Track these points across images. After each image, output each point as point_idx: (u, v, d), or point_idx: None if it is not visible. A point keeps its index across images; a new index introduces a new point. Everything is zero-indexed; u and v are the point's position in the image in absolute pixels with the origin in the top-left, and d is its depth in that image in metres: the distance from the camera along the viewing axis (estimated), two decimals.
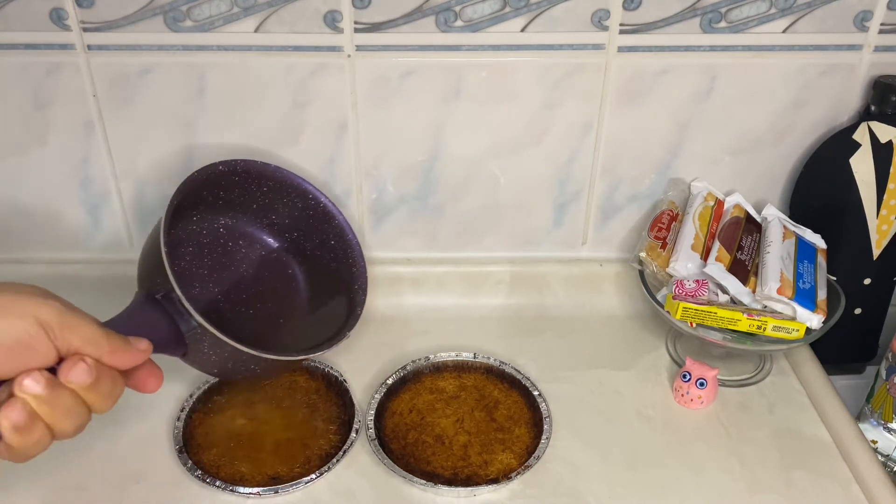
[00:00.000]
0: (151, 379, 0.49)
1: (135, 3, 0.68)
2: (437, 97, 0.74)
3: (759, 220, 0.79)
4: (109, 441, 0.66)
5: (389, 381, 0.70)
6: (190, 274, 0.63)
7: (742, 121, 0.76)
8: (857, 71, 0.74)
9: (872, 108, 0.73)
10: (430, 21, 0.70)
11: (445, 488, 0.61)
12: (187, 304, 0.54)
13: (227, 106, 0.73)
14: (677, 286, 0.70)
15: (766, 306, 0.69)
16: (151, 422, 0.67)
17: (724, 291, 0.71)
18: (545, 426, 0.66)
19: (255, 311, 0.69)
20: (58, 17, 0.68)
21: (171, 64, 0.71)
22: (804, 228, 0.77)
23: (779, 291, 0.68)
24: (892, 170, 0.74)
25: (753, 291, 0.70)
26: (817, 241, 0.76)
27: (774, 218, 0.77)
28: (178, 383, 0.69)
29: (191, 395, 0.68)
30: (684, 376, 0.70)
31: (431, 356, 0.72)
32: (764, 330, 0.67)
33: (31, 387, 0.42)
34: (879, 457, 0.73)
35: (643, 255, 0.74)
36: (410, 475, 0.61)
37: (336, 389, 0.70)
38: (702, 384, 0.69)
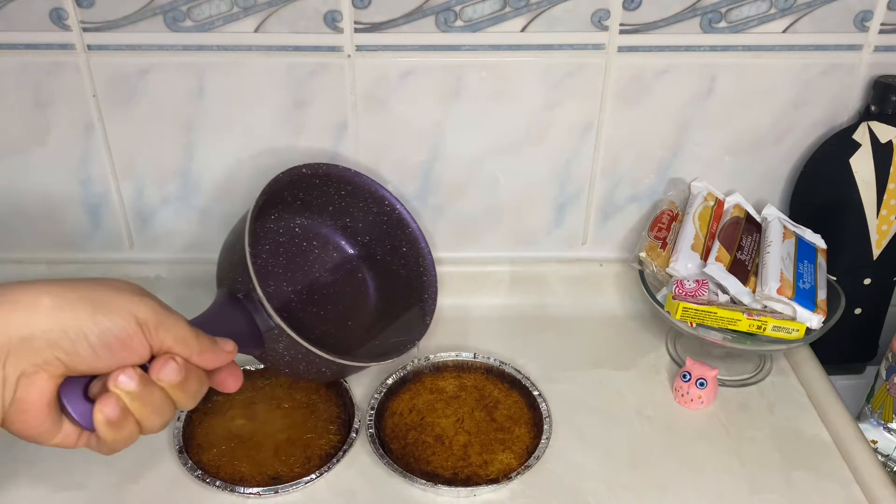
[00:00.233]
0: (231, 379, 0.50)
1: (135, 3, 0.68)
2: (437, 97, 0.74)
3: (759, 220, 0.79)
4: None
5: (389, 381, 0.70)
6: (266, 272, 0.64)
7: (742, 121, 0.76)
8: (857, 71, 0.74)
9: (872, 108, 0.73)
10: (430, 21, 0.70)
11: (445, 488, 0.61)
12: (268, 307, 0.54)
13: (227, 106, 0.73)
14: (677, 286, 0.70)
15: (766, 306, 0.69)
16: None
17: (724, 291, 0.71)
18: (545, 426, 0.66)
19: (324, 312, 0.70)
20: (58, 17, 0.68)
21: (171, 64, 0.71)
22: (804, 228, 0.77)
23: (779, 291, 0.68)
24: (892, 170, 0.74)
25: (753, 291, 0.70)
26: (817, 241, 0.76)
27: (774, 218, 0.77)
28: None
29: None
30: (684, 376, 0.70)
31: (431, 356, 0.72)
32: (764, 330, 0.67)
33: (126, 383, 0.43)
34: (879, 457, 0.73)
35: (643, 255, 0.74)
36: (410, 475, 0.61)
37: (336, 389, 0.70)
38: (702, 384, 0.69)
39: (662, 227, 0.76)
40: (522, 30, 0.70)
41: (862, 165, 0.74)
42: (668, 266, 0.73)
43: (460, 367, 0.72)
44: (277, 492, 0.61)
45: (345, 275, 0.73)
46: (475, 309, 0.82)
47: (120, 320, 0.43)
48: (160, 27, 0.69)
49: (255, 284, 0.54)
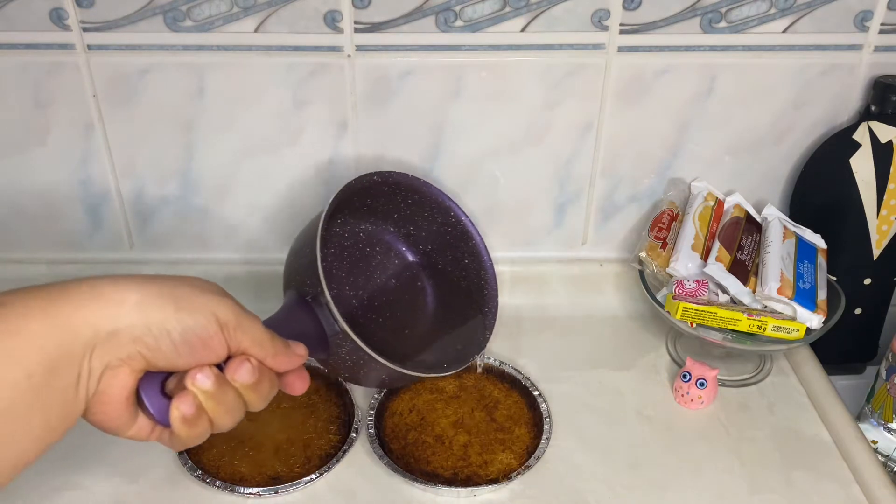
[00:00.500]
0: (299, 382, 0.51)
1: (135, 3, 0.68)
2: (437, 97, 0.74)
3: (759, 220, 0.79)
4: (109, 441, 0.65)
5: None
6: (330, 275, 0.65)
7: (742, 121, 0.76)
8: (857, 71, 0.74)
9: (872, 108, 0.73)
10: (430, 21, 0.70)
11: (445, 488, 0.61)
12: (336, 311, 0.55)
13: (227, 106, 0.73)
14: (677, 286, 0.70)
15: (766, 306, 0.69)
16: None
17: (725, 291, 0.71)
18: (545, 426, 0.66)
19: (383, 319, 0.70)
20: (58, 17, 0.68)
21: (171, 64, 0.71)
22: (804, 228, 0.77)
23: (779, 291, 0.68)
24: (892, 170, 0.74)
25: (753, 291, 0.70)
26: (817, 241, 0.76)
27: (774, 218, 0.77)
28: None
29: None
30: (684, 376, 0.70)
31: None
32: (764, 330, 0.67)
33: (203, 382, 0.44)
34: (879, 457, 0.73)
35: (643, 255, 0.74)
36: (410, 475, 0.61)
37: (336, 389, 0.70)
38: (702, 384, 0.69)
39: (662, 227, 0.76)
40: (522, 30, 0.70)
41: (862, 165, 0.74)
42: (668, 266, 0.73)
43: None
44: (277, 492, 0.61)
45: (404, 283, 0.73)
46: None
47: (202, 319, 0.43)
48: (160, 27, 0.69)
49: (324, 288, 0.55)
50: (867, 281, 0.78)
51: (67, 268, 0.82)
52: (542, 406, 0.68)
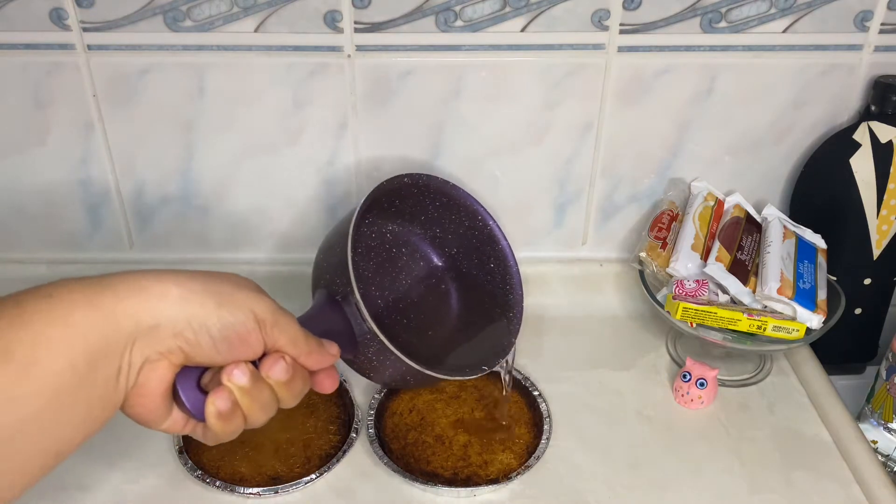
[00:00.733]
0: (329, 380, 0.51)
1: (135, 3, 0.68)
2: (437, 97, 0.74)
3: (759, 220, 0.79)
4: (109, 441, 0.66)
5: None
6: (357, 275, 0.65)
7: (742, 121, 0.76)
8: (858, 71, 0.74)
9: (872, 108, 0.73)
10: (430, 21, 0.70)
11: (445, 488, 0.61)
12: (365, 312, 0.55)
13: (227, 106, 0.73)
14: (677, 286, 0.70)
15: (766, 306, 0.69)
16: None
17: (725, 291, 0.71)
18: (545, 426, 0.66)
19: (407, 320, 0.70)
20: (58, 17, 0.68)
21: (171, 64, 0.71)
22: (804, 228, 0.77)
23: (779, 291, 0.68)
24: (892, 170, 0.74)
25: (753, 291, 0.70)
26: (817, 241, 0.76)
27: (774, 218, 0.77)
28: None
29: None
30: (684, 376, 0.70)
31: None
32: (764, 330, 0.67)
33: (239, 378, 0.44)
34: (879, 457, 0.73)
35: (643, 255, 0.74)
36: (410, 475, 0.61)
37: (336, 390, 0.69)
38: (702, 384, 0.69)
39: (662, 227, 0.76)
40: (522, 30, 0.70)
41: (862, 165, 0.74)
42: (668, 266, 0.73)
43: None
44: (277, 492, 0.61)
45: (429, 285, 0.73)
46: None
47: (241, 316, 0.44)
48: (160, 27, 0.69)
49: (354, 288, 0.55)
50: (867, 281, 0.78)
51: (67, 268, 0.82)
52: (542, 406, 0.68)
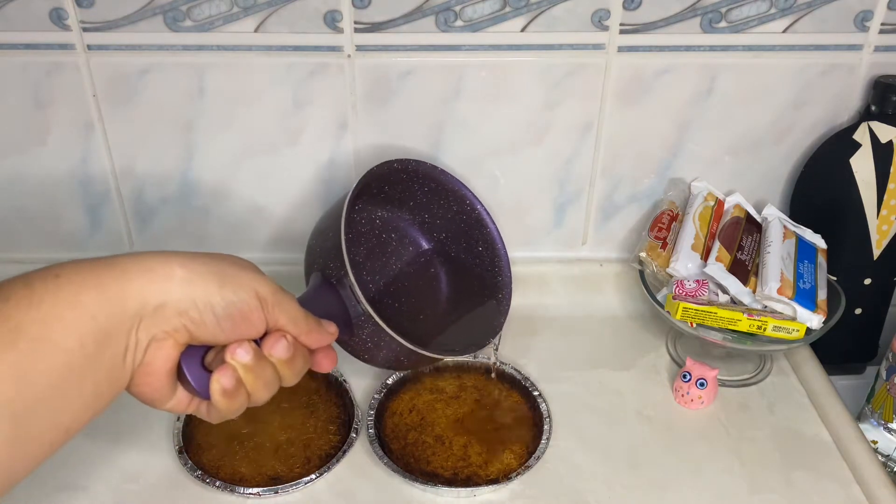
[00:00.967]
0: (327, 360, 0.53)
1: (135, 3, 0.68)
2: (437, 97, 0.74)
3: (759, 220, 0.79)
4: (109, 441, 0.66)
5: (389, 382, 0.70)
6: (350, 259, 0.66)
7: (742, 121, 0.76)
8: (858, 71, 0.74)
9: (873, 108, 0.73)
10: (430, 21, 0.70)
11: (445, 488, 0.61)
12: (359, 293, 0.56)
13: (227, 106, 0.73)
14: (677, 286, 0.70)
15: (766, 306, 0.69)
16: (151, 422, 0.67)
17: (725, 291, 0.71)
18: (545, 426, 0.66)
19: (398, 304, 0.71)
20: (58, 17, 0.68)
21: (171, 64, 0.71)
22: (804, 228, 0.77)
23: (779, 291, 0.68)
24: (892, 170, 0.74)
25: (754, 291, 0.70)
26: (817, 241, 0.76)
27: (774, 218, 0.77)
28: None
29: None
30: (684, 376, 0.70)
31: None
32: (764, 330, 0.67)
33: (243, 356, 0.45)
34: (879, 457, 0.73)
35: (643, 255, 0.74)
36: (410, 475, 0.61)
37: (336, 390, 0.70)
38: (702, 384, 0.69)
39: (662, 227, 0.76)
40: (522, 30, 0.70)
41: (862, 165, 0.74)
42: (668, 266, 0.73)
43: (460, 368, 0.72)
44: (277, 492, 0.61)
45: (419, 269, 0.74)
46: None
47: (244, 295, 0.45)
48: (160, 27, 0.69)
49: (349, 270, 0.56)
50: (867, 281, 0.78)
51: None
52: (542, 406, 0.68)
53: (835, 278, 0.73)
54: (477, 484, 0.61)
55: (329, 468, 0.62)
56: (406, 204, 0.71)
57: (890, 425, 0.72)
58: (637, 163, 0.79)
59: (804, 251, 0.74)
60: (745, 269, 0.71)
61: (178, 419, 0.65)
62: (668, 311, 0.70)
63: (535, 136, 0.76)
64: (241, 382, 0.46)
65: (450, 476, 0.62)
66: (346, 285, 0.56)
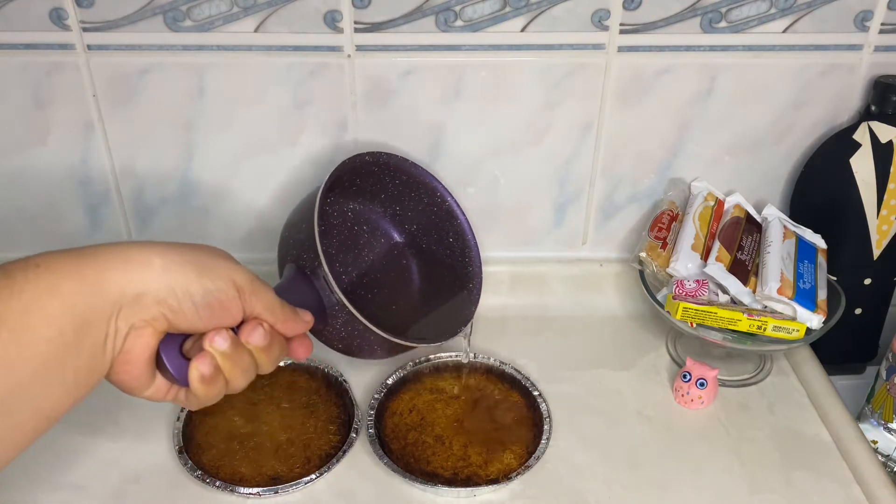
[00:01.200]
0: (302, 348, 0.54)
1: (134, 3, 0.68)
2: (437, 97, 0.74)
3: (759, 220, 0.79)
4: (109, 441, 0.66)
5: (389, 382, 0.70)
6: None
7: (742, 121, 0.76)
8: (858, 71, 0.74)
9: (873, 108, 0.73)
10: (430, 21, 0.70)
11: (445, 488, 0.61)
12: (333, 284, 0.57)
13: (227, 106, 0.73)
14: (677, 286, 0.70)
15: (766, 306, 0.69)
16: (151, 422, 0.67)
17: (725, 291, 0.71)
18: (545, 426, 0.66)
19: (371, 295, 0.72)
20: (58, 17, 0.68)
21: (171, 64, 0.71)
22: (804, 228, 0.77)
23: (779, 291, 0.68)
24: (892, 170, 0.74)
25: (754, 291, 0.70)
26: (817, 241, 0.76)
27: (774, 218, 0.77)
28: None
29: None
30: (684, 376, 0.70)
31: (431, 356, 0.72)
32: (764, 330, 0.67)
33: (221, 343, 0.46)
34: (879, 457, 0.73)
35: (643, 255, 0.74)
36: (410, 475, 0.61)
37: (336, 390, 0.70)
38: (702, 384, 0.69)
39: (662, 227, 0.76)
40: (522, 30, 0.70)
41: (862, 165, 0.74)
42: (668, 266, 0.73)
43: (460, 368, 0.72)
44: (277, 492, 0.61)
45: (391, 261, 0.74)
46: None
47: (222, 284, 0.46)
48: (160, 27, 0.69)
49: (322, 261, 0.57)
50: (867, 281, 0.78)
51: None
52: (542, 406, 0.68)
53: (835, 278, 0.73)
54: (477, 484, 0.61)
55: (329, 468, 0.62)
56: (378, 196, 0.72)
57: (890, 425, 0.72)
58: (637, 163, 0.79)
59: (804, 251, 0.74)
60: (745, 269, 0.71)
61: (178, 419, 0.65)
62: (668, 311, 0.70)
63: (535, 136, 0.76)
64: (218, 369, 0.47)
65: (450, 476, 0.62)
66: (320, 275, 0.57)
